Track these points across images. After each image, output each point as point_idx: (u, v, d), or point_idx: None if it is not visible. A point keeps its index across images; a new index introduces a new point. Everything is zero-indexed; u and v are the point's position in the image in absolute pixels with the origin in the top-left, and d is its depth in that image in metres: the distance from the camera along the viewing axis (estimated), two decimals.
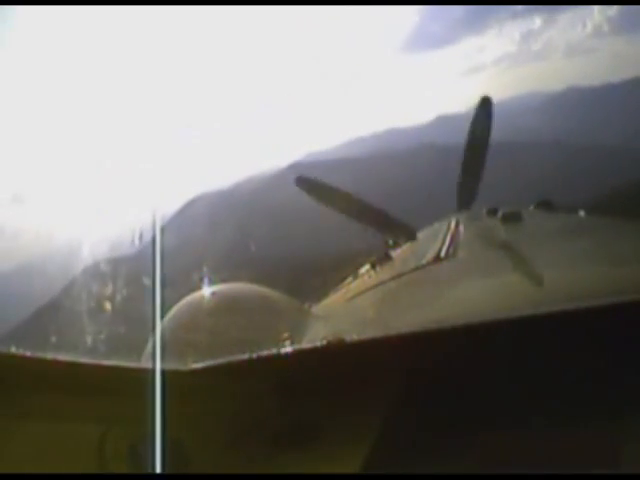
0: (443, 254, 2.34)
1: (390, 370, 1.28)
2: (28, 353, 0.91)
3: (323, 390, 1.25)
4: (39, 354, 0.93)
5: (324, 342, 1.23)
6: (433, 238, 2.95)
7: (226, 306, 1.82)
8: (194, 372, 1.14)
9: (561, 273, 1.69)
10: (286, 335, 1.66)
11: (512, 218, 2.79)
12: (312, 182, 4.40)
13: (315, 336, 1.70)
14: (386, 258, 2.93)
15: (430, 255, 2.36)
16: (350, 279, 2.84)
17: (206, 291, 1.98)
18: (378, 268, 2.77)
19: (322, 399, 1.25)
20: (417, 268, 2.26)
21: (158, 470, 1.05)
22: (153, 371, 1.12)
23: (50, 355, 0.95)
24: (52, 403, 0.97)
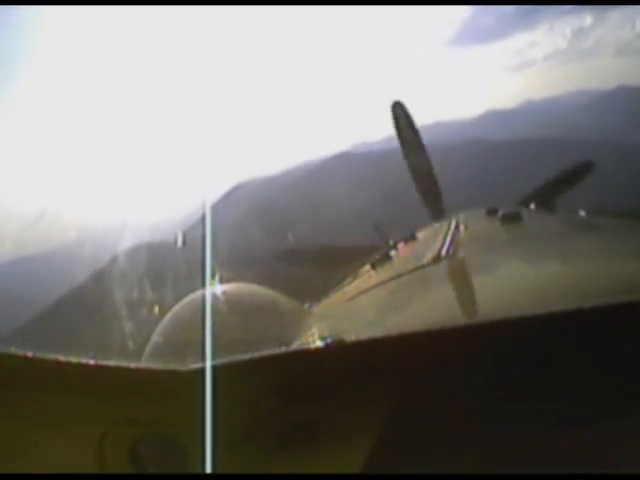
0: (443, 254, 2.34)
1: (390, 370, 1.28)
2: (28, 353, 0.91)
3: (323, 390, 1.25)
4: (39, 354, 0.93)
5: (324, 342, 1.23)
6: (433, 238, 2.95)
7: (226, 306, 1.82)
8: (194, 372, 1.14)
9: (561, 273, 1.69)
10: (286, 335, 1.66)
11: (512, 218, 2.79)
12: (405, 112, 4.48)
13: (315, 336, 1.70)
14: (386, 258, 2.93)
15: (430, 255, 2.36)
16: (350, 279, 2.85)
17: (206, 290, 1.98)
18: (378, 268, 2.78)
19: (322, 399, 1.25)
20: (417, 268, 2.26)
21: (209, 470, 1.06)
22: (203, 368, 1.13)
23: (52, 353, 0.95)
24: (52, 403, 0.97)
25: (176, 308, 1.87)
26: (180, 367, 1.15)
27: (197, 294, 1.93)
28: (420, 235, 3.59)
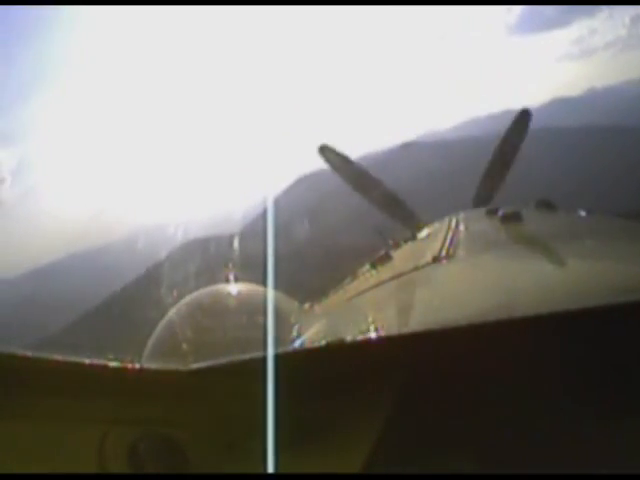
0: (443, 254, 2.34)
1: (390, 370, 1.28)
2: (28, 353, 0.91)
3: (323, 390, 1.25)
4: (39, 354, 0.93)
5: (324, 342, 1.23)
6: (433, 238, 2.95)
7: (226, 306, 1.82)
8: (194, 372, 1.14)
9: (561, 273, 1.69)
10: (286, 335, 1.66)
11: (512, 218, 2.79)
12: (333, 151, 4.33)
13: (315, 336, 1.70)
14: (386, 258, 2.93)
15: (430, 255, 2.36)
16: (350, 279, 2.85)
17: (206, 291, 1.98)
18: (378, 268, 2.77)
19: (322, 399, 1.25)
20: (417, 268, 2.26)
21: (271, 470, 1.06)
22: (265, 358, 1.13)
23: (52, 354, 0.95)
24: (52, 403, 0.97)
25: (175, 308, 1.87)
26: (180, 367, 1.15)
27: (196, 294, 1.94)
28: (420, 235, 3.59)
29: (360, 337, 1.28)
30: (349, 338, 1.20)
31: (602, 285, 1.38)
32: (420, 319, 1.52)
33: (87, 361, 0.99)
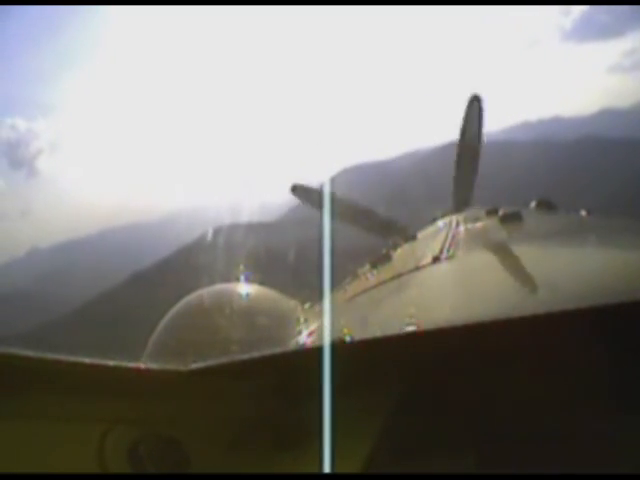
0: (442, 254, 2.34)
1: (390, 370, 1.28)
2: (28, 353, 0.91)
3: (323, 390, 1.25)
4: (39, 354, 0.93)
5: (324, 342, 1.23)
6: (433, 238, 2.95)
7: (226, 306, 1.82)
8: (194, 372, 1.14)
9: (561, 273, 1.69)
10: (286, 335, 1.66)
11: (512, 218, 2.79)
12: (306, 189, 4.27)
13: (315, 336, 1.70)
14: (386, 258, 2.93)
15: (430, 255, 2.36)
16: (350, 279, 2.84)
17: (206, 290, 1.98)
18: (378, 268, 2.77)
19: (322, 399, 1.25)
20: (417, 268, 2.26)
21: (327, 470, 1.06)
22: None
23: (52, 354, 0.95)
24: (52, 403, 0.97)
25: (175, 308, 1.87)
26: (180, 367, 1.15)
27: (196, 294, 1.93)
28: (420, 235, 3.59)
29: (360, 337, 1.28)
30: (349, 338, 1.20)
31: (602, 285, 1.38)
32: (420, 319, 1.52)
33: (87, 361, 0.99)
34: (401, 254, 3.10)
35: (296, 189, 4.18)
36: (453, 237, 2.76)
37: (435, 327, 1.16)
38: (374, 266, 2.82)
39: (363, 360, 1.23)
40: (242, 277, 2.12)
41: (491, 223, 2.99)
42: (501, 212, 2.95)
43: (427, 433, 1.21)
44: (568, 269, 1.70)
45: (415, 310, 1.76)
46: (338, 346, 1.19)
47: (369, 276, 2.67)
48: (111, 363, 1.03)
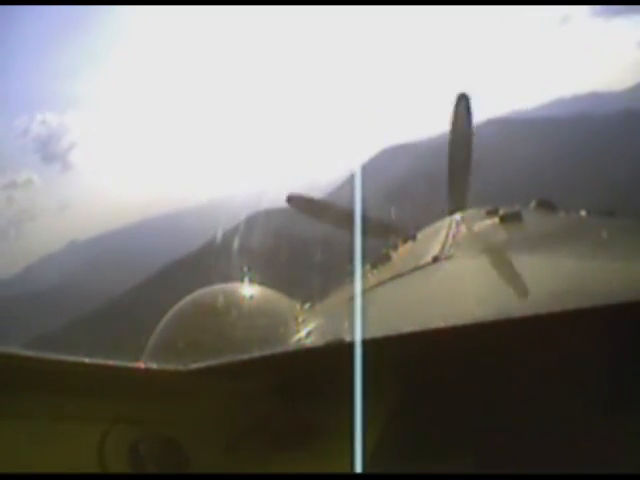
0: (442, 254, 2.34)
1: (390, 370, 1.28)
2: (28, 353, 0.91)
3: (323, 390, 1.25)
4: (39, 354, 0.93)
5: (324, 342, 1.23)
6: (433, 238, 2.95)
7: (226, 306, 1.82)
8: (194, 372, 1.14)
9: (561, 273, 1.68)
10: (286, 335, 1.66)
11: (512, 218, 2.79)
12: (303, 199, 4.21)
13: (315, 336, 1.70)
14: (386, 258, 2.93)
15: (429, 255, 2.36)
16: (350, 279, 2.84)
17: (206, 291, 1.98)
18: (378, 268, 2.77)
19: (322, 399, 1.25)
20: (417, 268, 2.26)
21: (359, 470, 1.05)
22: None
23: (53, 354, 0.95)
24: (52, 403, 0.97)
25: (175, 308, 1.87)
26: (180, 367, 1.15)
27: (195, 294, 1.93)
28: (420, 235, 3.59)
29: (360, 337, 1.28)
30: (349, 338, 1.20)
31: (602, 285, 1.38)
32: (420, 319, 1.52)
33: (87, 361, 0.99)
34: (401, 254, 3.10)
35: (292, 200, 4.13)
36: (453, 237, 2.76)
37: (435, 327, 1.16)
38: (374, 266, 2.82)
39: (363, 360, 1.23)
40: (245, 278, 2.12)
41: (491, 223, 2.98)
42: (501, 212, 2.95)
43: (427, 433, 1.21)
44: (568, 269, 1.70)
45: (415, 310, 1.76)
46: (338, 346, 1.19)
47: (369, 276, 2.67)
48: (111, 363, 1.03)
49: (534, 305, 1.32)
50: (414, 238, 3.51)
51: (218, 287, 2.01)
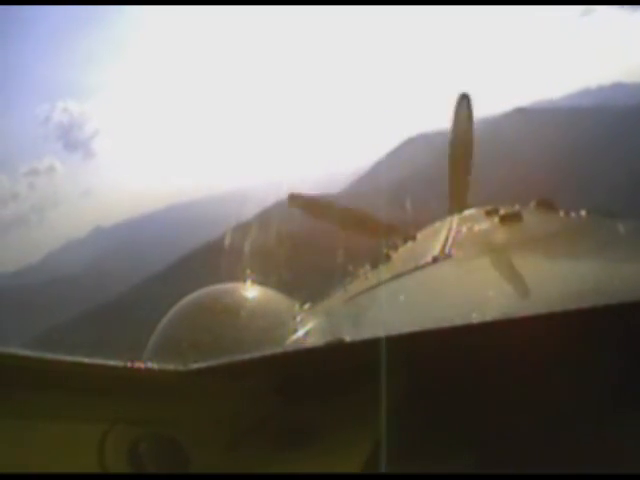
0: (442, 254, 2.34)
1: (390, 370, 1.28)
2: (28, 353, 0.91)
3: (323, 390, 1.25)
4: (39, 354, 0.93)
5: (324, 342, 1.23)
6: (433, 238, 2.95)
7: (226, 306, 1.82)
8: (194, 372, 1.14)
9: (561, 273, 1.69)
10: (285, 335, 1.66)
11: (512, 218, 2.79)
12: (304, 198, 4.24)
13: (315, 336, 1.70)
14: (386, 258, 2.93)
15: (429, 255, 2.36)
16: (350, 279, 2.84)
17: (206, 290, 1.98)
18: (378, 268, 2.77)
19: (322, 399, 1.25)
20: (416, 268, 2.26)
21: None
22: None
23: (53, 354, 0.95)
24: (52, 403, 0.97)
25: (175, 308, 1.87)
26: (180, 367, 1.15)
27: (195, 294, 1.93)
28: (420, 235, 3.59)
29: (360, 337, 1.28)
30: (349, 338, 1.20)
31: (602, 285, 1.38)
32: (420, 319, 1.52)
33: (87, 360, 0.99)
34: (401, 254, 3.10)
35: (293, 199, 4.16)
36: (453, 237, 2.76)
37: (435, 327, 1.16)
38: (374, 266, 2.82)
39: (363, 360, 1.23)
40: (247, 278, 2.13)
41: (491, 223, 2.99)
42: (501, 212, 2.95)
43: (427, 433, 1.21)
44: (567, 270, 1.70)
45: (415, 310, 1.76)
46: (338, 346, 1.19)
47: (369, 276, 2.67)
48: (111, 363, 1.03)
49: (534, 305, 1.32)
50: (414, 238, 3.51)
51: (218, 287, 2.01)
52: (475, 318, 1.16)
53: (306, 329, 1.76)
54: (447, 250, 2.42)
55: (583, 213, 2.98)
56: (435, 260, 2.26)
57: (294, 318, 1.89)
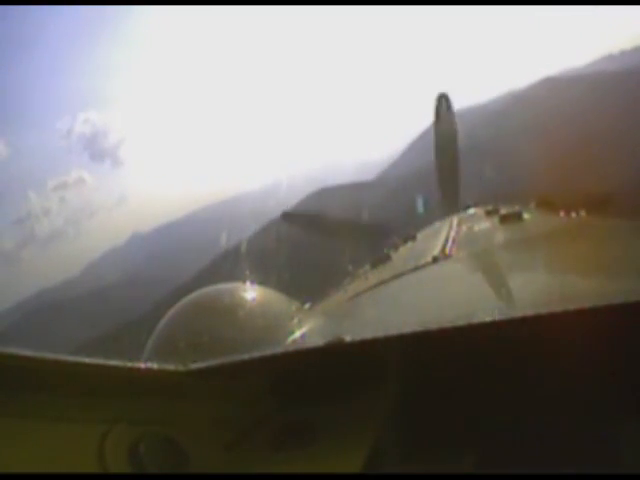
0: (442, 254, 2.34)
1: (390, 370, 1.28)
2: (28, 353, 0.91)
3: (323, 390, 1.25)
4: (39, 354, 0.93)
5: (324, 342, 1.23)
6: (433, 238, 2.95)
7: (226, 306, 1.81)
8: (194, 372, 1.14)
9: (561, 273, 1.68)
10: (286, 335, 1.66)
11: (512, 218, 2.79)
12: (296, 216, 4.33)
13: (315, 336, 1.70)
14: (386, 258, 2.93)
15: (430, 255, 2.36)
16: (350, 279, 2.84)
17: (206, 291, 1.98)
18: (378, 268, 2.78)
19: (322, 399, 1.25)
20: (417, 268, 2.26)
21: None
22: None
23: (53, 354, 0.95)
24: (52, 403, 0.97)
25: (175, 308, 1.87)
26: (180, 367, 1.15)
27: (195, 294, 1.93)
28: (420, 235, 3.60)
29: (360, 337, 1.28)
30: (349, 338, 1.20)
31: (601, 285, 1.38)
32: (420, 319, 1.52)
33: (87, 361, 0.99)
34: (401, 254, 3.10)
35: (287, 217, 4.30)
36: (453, 237, 2.76)
37: (435, 327, 1.16)
38: (374, 266, 2.82)
39: (363, 360, 1.23)
40: (246, 279, 2.12)
41: (491, 223, 2.99)
42: (501, 212, 2.96)
43: (427, 433, 1.21)
44: (567, 269, 1.70)
45: (415, 310, 1.76)
46: (338, 346, 1.19)
47: (369, 276, 2.67)
48: (111, 363, 1.03)
49: (534, 305, 1.32)
50: (414, 238, 3.51)
51: (218, 287, 2.01)
52: (475, 318, 1.16)
53: (306, 329, 1.76)
54: (447, 250, 2.42)
55: (583, 213, 2.98)
56: (435, 260, 2.26)
57: (294, 318, 1.89)
